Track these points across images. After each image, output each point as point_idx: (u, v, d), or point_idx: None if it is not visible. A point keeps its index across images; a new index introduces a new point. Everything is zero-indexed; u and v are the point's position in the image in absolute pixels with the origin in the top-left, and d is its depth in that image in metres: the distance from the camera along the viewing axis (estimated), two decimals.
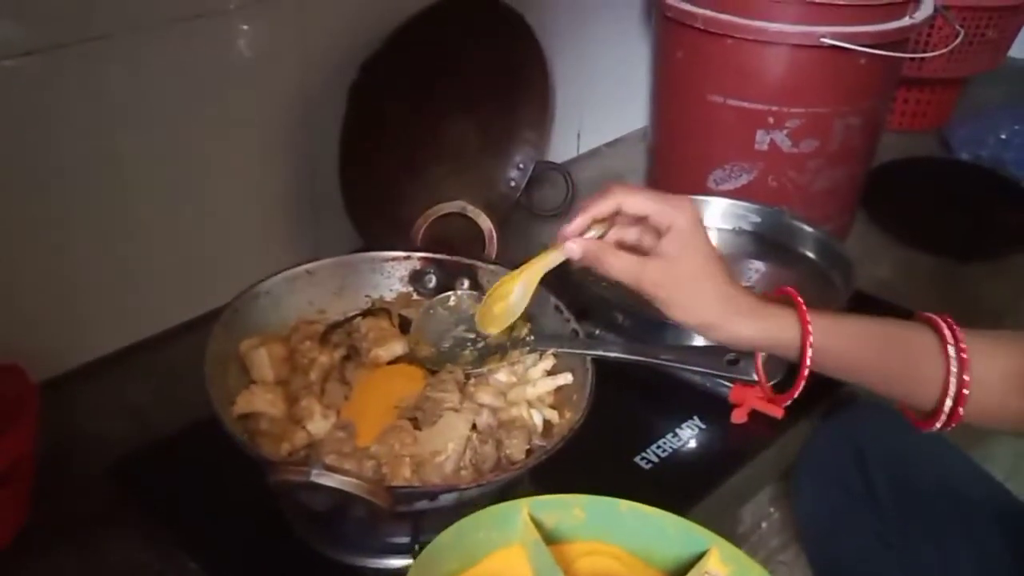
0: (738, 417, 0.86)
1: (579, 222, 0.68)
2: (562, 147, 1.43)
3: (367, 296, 0.85)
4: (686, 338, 0.86)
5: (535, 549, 0.59)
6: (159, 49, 0.91)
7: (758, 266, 1.06)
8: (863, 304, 1.04)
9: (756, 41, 1.12)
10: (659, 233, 0.66)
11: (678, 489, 0.80)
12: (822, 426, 0.79)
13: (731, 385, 0.87)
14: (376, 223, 0.99)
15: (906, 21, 1.15)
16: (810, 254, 1.05)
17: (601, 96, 1.46)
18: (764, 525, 0.90)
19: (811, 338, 0.65)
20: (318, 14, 1.03)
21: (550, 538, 0.61)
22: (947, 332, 0.63)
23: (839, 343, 0.66)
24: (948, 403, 0.62)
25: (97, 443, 0.88)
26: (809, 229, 1.06)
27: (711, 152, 1.22)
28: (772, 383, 0.79)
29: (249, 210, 1.05)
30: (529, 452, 0.71)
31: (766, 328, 0.66)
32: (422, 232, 0.91)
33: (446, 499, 0.65)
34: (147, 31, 0.90)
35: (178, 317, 1.01)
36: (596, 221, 0.69)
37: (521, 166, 1.25)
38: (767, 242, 1.08)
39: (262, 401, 0.72)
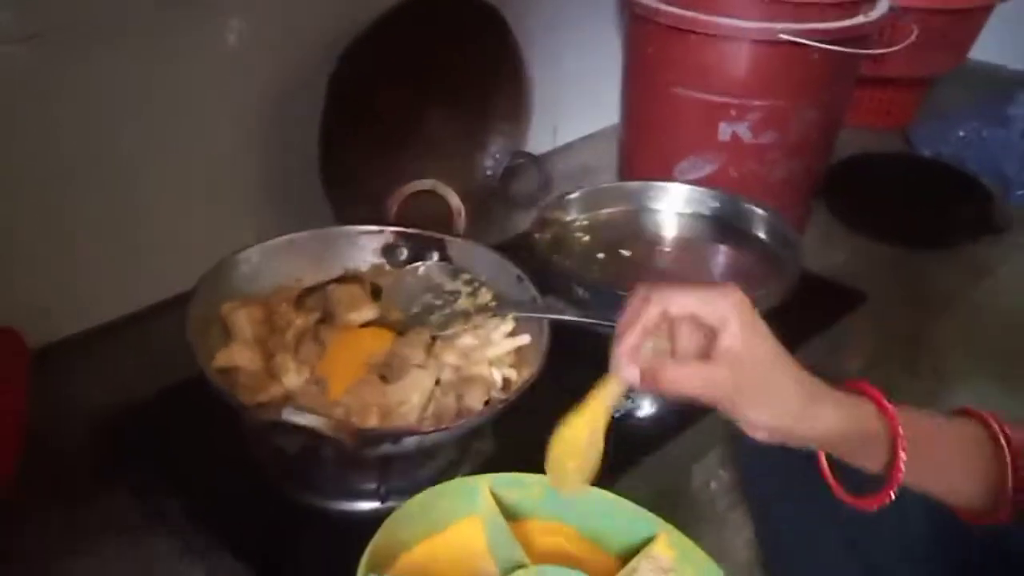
0: None
1: (632, 340, 0.58)
2: (539, 140, 1.49)
3: (343, 267, 0.91)
4: None
5: (493, 523, 0.62)
6: (147, 35, 0.97)
7: (717, 248, 1.12)
8: (811, 284, 1.10)
9: (718, 36, 1.18)
10: (713, 330, 0.57)
11: (631, 445, 0.86)
12: None
13: None
14: (352, 207, 1.05)
15: (860, 19, 1.21)
16: (762, 235, 1.11)
17: (576, 92, 1.52)
18: (713, 485, 0.95)
19: (900, 425, 0.59)
20: (301, 5, 1.09)
21: (510, 513, 0.63)
22: (999, 431, 0.61)
23: (916, 430, 0.60)
24: (1009, 507, 0.60)
25: (87, 406, 0.93)
26: (761, 212, 1.12)
27: (677, 144, 1.28)
28: None
29: (234, 191, 1.11)
30: (487, 404, 0.77)
31: (850, 416, 0.59)
32: (395, 208, 0.97)
33: (408, 443, 0.71)
34: (135, 18, 0.96)
35: (166, 292, 1.06)
36: (642, 336, 0.59)
37: (497, 156, 1.31)
38: (724, 225, 1.14)
39: (241, 357, 0.78)
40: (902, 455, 0.58)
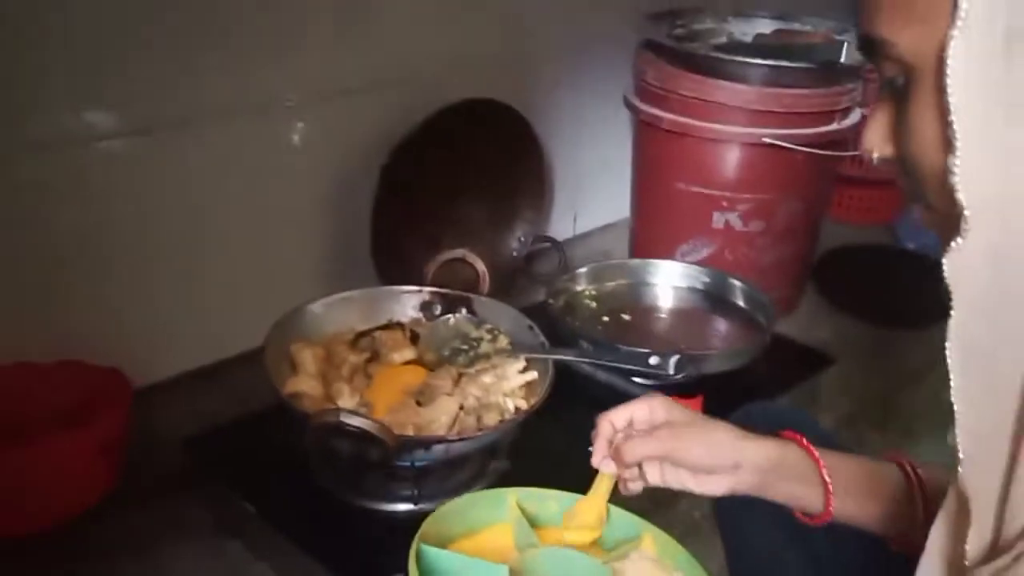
0: None
1: (599, 447, 0.75)
2: (561, 228, 1.70)
3: (388, 318, 1.11)
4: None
5: (519, 524, 0.70)
6: (227, 135, 1.20)
7: (704, 314, 1.31)
8: (786, 347, 1.28)
9: (711, 139, 1.39)
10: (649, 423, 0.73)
11: None
12: (731, 416, 1.02)
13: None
14: (396, 272, 1.26)
15: (834, 126, 1.41)
16: (742, 303, 1.30)
17: (594, 187, 1.74)
18: (696, 514, 1.12)
19: (816, 453, 0.71)
20: (358, 110, 1.32)
21: (531, 522, 0.71)
22: (911, 473, 0.72)
23: (834, 465, 0.72)
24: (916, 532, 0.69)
25: (176, 434, 1.11)
26: (740, 284, 1.31)
27: (678, 230, 1.48)
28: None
29: (300, 261, 1.32)
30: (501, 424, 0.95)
31: (775, 452, 0.71)
32: (431, 273, 1.17)
33: (438, 450, 0.89)
34: (219, 118, 1.19)
35: (243, 346, 1.24)
36: (608, 442, 0.75)
37: (521, 239, 1.51)
38: (711, 296, 1.33)
39: (305, 384, 0.97)
40: (828, 482, 0.71)
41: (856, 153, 1.47)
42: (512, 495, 0.72)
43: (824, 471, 0.72)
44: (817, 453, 0.73)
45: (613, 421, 0.75)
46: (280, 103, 1.24)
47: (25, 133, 1.04)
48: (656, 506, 1.08)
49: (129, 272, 1.16)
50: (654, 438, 0.72)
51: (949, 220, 0.45)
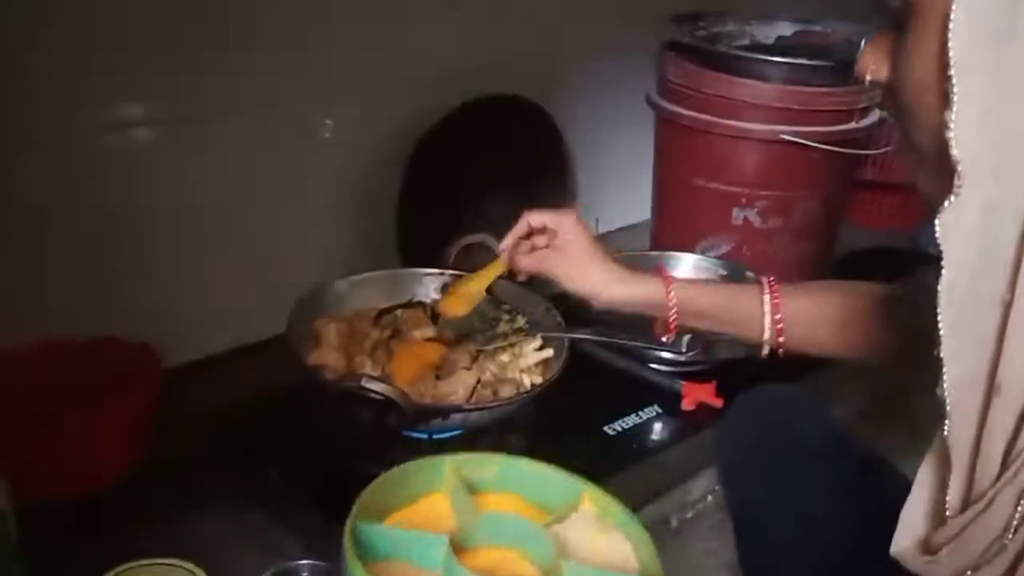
0: (687, 405, 1.12)
1: (508, 242, 0.94)
2: None
3: (410, 297, 1.14)
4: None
5: (457, 492, 0.70)
6: (258, 127, 1.24)
7: None
8: None
9: (730, 136, 1.42)
10: (556, 233, 0.91)
11: (633, 450, 1.06)
12: (737, 398, 1.04)
13: (683, 383, 1.13)
14: (419, 258, 1.29)
15: (852, 125, 1.44)
16: None
17: (616, 188, 1.76)
18: (709, 498, 1.14)
19: (672, 292, 0.85)
20: (387, 104, 1.36)
21: (470, 488, 0.71)
22: (766, 286, 0.85)
23: (692, 297, 0.86)
24: (767, 335, 0.84)
25: (204, 409, 1.15)
26: (752, 275, 1.32)
27: (698, 226, 1.50)
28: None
29: (329, 247, 1.36)
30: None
31: (637, 290, 0.87)
32: (452, 256, 1.20)
33: (455, 419, 0.92)
34: (255, 111, 1.23)
35: (272, 329, 1.25)
36: (518, 238, 0.94)
37: None
38: None
39: (328, 357, 1.00)
40: (672, 309, 0.85)
41: (874, 152, 1.49)
42: (449, 463, 0.70)
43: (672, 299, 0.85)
44: (673, 290, 0.85)
45: (531, 221, 0.93)
46: (312, 96, 1.29)
47: (77, 121, 1.09)
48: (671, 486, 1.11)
49: (167, 257, 1.21)
50: (543, 259, 0.90)
51: (933, 168, 0.47)
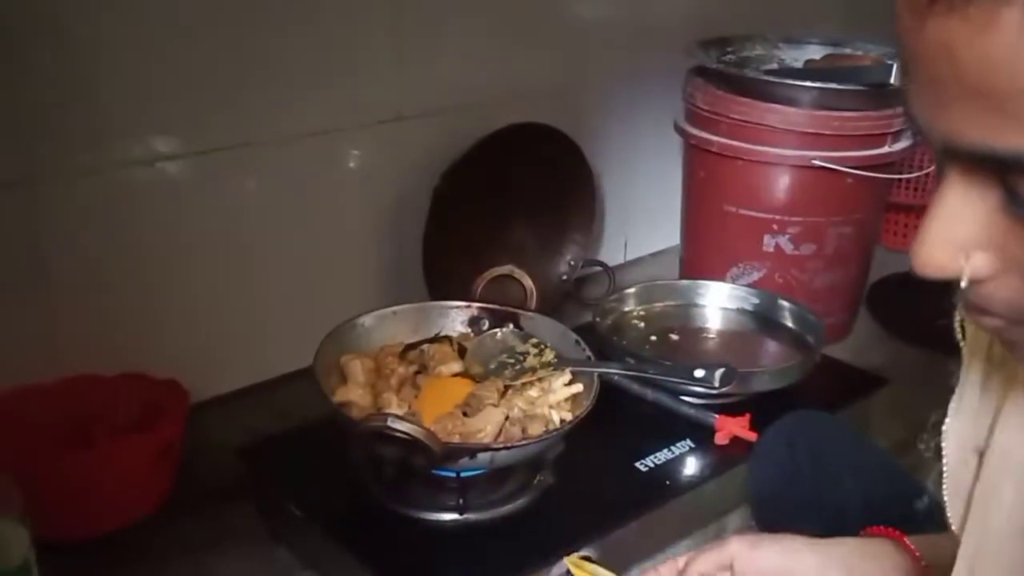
0: (721, 439, 1.10)
1: None
2: (611, 254, 1.71)
3: (436, 331, 1.13)
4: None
5: None
6: (286, 156, 1.24)
7: (752, 335, 1.32)
8: (838, 369, 1.28)
9: (761, 162, 1.40)
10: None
11: (665, 487, 1.04)
12: (770, 427, 1.01)
13: (716, 416, 1.11)
14: (445, 290, 1.28)
15: (885, 149, 1.41)
16: (791, 324, 1.30)
17: (644, 214, 1.75)
18: None
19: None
20: (412, 135, 1.35)
21: None
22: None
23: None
24: None
25: (226, 449, 1.14)
26: (790, 305, 1.30)
27: (728, 253, 1.48)
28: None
29: (353, 281, 1.35)
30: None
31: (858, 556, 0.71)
32: (479, 289, 1.19)
33: (482, 458, 0.90)
34: (277, 142, 1.23)
35: (296, 364, 1.25)
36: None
37: (571, 263, 1.53)
38: (760, 317, 1.33)
39: (354, 394, 0.99)
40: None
41: (908, 176, 1.46)
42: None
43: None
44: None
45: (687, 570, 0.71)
46: (336, 129, 1.28)
47: (103, 154, 1.09)
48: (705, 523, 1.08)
49: (191, 290, 1.20)
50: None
51: None
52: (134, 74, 1.09)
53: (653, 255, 1.80)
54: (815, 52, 1.59)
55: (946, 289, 0.42)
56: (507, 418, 0.97)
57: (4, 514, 0.71)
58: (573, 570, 0.80)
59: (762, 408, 1.12)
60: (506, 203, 1.42)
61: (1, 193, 1.04)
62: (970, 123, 0.36)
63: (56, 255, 1.09)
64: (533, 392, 1.03)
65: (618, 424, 1.11)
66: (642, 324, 1.31)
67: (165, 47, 1.10)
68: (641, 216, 1.74)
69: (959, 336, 0.52)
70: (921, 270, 0.41)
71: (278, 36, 1.19)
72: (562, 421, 0.99)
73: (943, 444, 0.56)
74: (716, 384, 0.97)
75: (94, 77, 1.06)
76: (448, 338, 1.10)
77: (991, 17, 0.32)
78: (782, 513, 0.91)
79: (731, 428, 1.09)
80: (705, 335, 1.31)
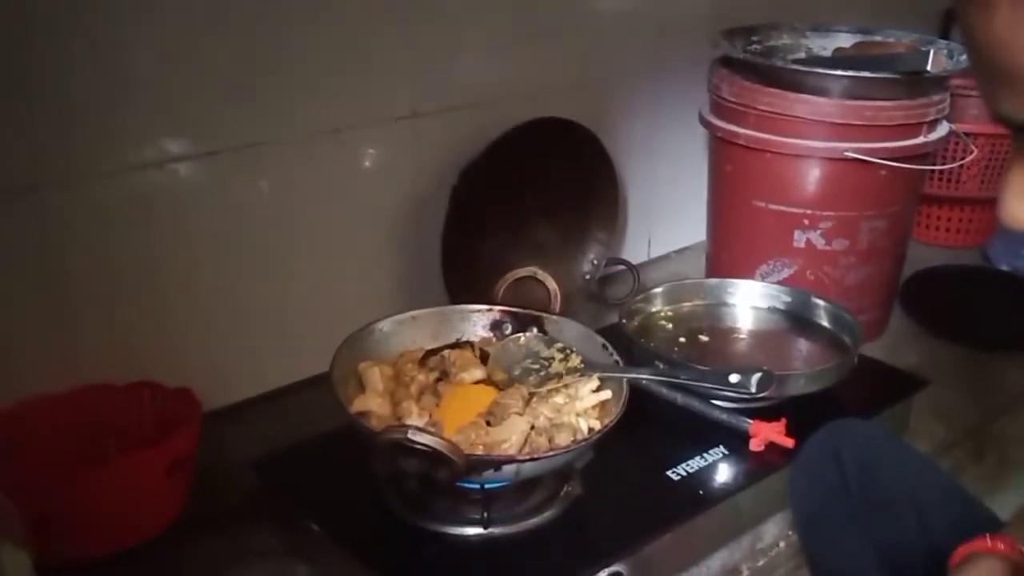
0: (756, 446, 1.05)
1: None
2: (635, 252, 1.66)
3: (458, 337, 1.08)
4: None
5: None
6: (300, 157, 1.19)
7: (786, 335, 1.27)
8: (877, 369, 1.23)
9: (790, 155, 1.34)
10: None
11: (699, 496, 0.99)
12: (812, 437, 0.97)
13: (751, 421, 1.06)
14: (466, 293, 1.24)
15: (920, 139, 1.36)
16: (826, 324, 1.25)
17: (668, 211, 1.70)
18: (782, 544, 1.06)
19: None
20: (428, 132, 1.31)
21: None
22: None
23: None
24: None
25: (244, 455, 1.11)
26: (825, 304, 1.25)
27: (757, 250, 1.43)
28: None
29: (370, 284, 1.31)
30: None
31: None
32: (501, 292, 1.14)
33: (508, 471, 0.86)
34: (291, 143, 1.18)
35: (312, 370, 1.22)
36: None
37: (594, 261, 1.48)
38: (793, 316, 1.28)
39: (373, 403, 0.95)
40: None
41: (947, 167, 1.41)
42: None
43: None
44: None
45: None
46: (351, 126, 1.24)
47: (112, 158, 1.06)
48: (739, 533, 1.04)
49: (202, 297, 1.17)
50: None
51: None
52: (148, 76, 1.05)
53: (678, 252, 1.76)
54: (844, 40, 1.54)
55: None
56: (532, 427, 0.93)
57: (4, 538, 0.67)
58: None
59: (798, 412, 1.07)
60: (527, 201, 1.38)
61: (15, 198, 1.00)
62: (1001, 100, 0.40)
63: (69, 259, 1.06)
64: (559, 399, 0.99)
65: (647, 431, 1.07)
66: (670, 325, 1.27)
67: (179, 48, 1.06)
68: (665, 212, 1.70)
69: None
70: (1012, 223, 0.45)
71: (290, 32, 1.14)
72: (590, 430, 0.94)
73: None
74: (753, 390, 0.92)
75: (107, 80, 1.03)
76: (470, 343, 1.06)
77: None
78: (829, 529, 0.86)
79: (766, 434, 1.04)
80: (736, 335, 1.26)
